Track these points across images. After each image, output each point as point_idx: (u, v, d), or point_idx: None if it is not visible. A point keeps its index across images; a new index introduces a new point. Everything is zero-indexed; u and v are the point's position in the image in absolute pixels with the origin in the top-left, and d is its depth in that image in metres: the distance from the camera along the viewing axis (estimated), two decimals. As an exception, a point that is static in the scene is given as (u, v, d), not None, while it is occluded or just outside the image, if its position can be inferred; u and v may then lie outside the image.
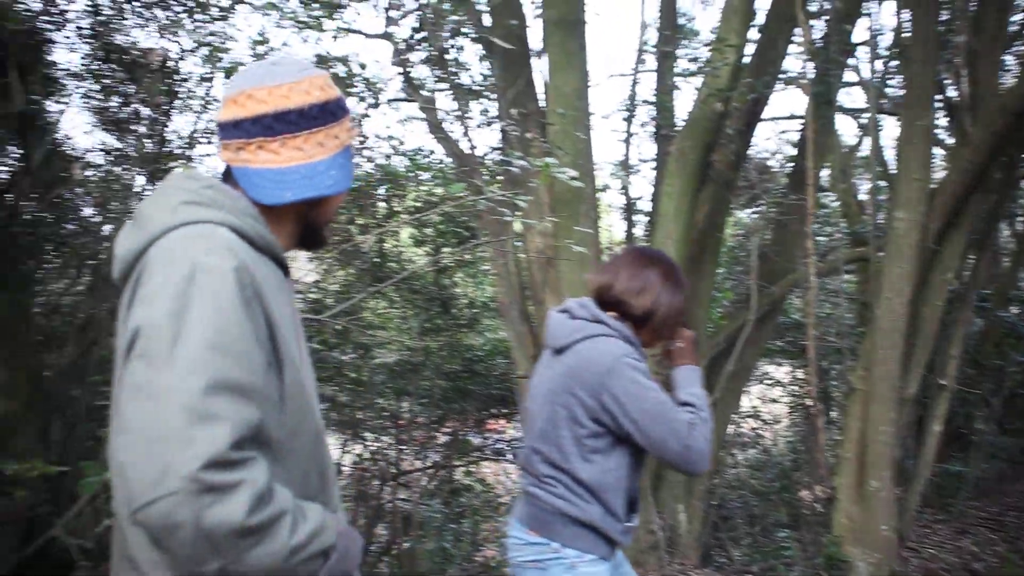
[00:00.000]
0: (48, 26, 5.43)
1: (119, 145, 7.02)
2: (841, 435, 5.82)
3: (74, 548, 3.90)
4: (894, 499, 5.07)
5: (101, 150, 7.23)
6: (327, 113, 1.52)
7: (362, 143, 11.15)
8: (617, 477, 2.40)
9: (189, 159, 7.31)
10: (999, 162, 4.92)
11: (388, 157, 10.63)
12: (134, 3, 6.50)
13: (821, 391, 9.01)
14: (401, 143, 10.49)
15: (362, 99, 9.75)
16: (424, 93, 7.66)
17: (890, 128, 11.87)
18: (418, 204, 10.78)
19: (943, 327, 5.22)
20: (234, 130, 1.48)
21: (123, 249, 1.39)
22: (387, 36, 8.34)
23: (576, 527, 2.38)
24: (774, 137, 9.97)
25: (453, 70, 7.01)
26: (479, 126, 7.63)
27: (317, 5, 8.62)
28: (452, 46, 7.16)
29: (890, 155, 8.76)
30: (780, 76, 7.11)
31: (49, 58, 5.90)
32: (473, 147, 6.69)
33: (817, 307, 9.21)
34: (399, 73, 7.26)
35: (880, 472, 4.99)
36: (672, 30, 7.66)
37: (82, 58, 6.28)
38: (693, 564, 6.57)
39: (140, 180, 6.86)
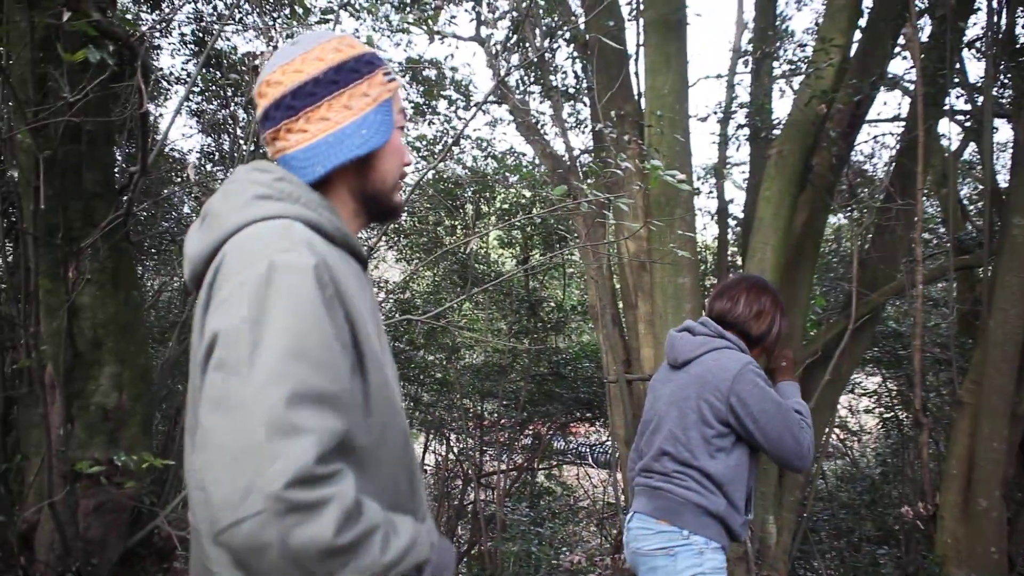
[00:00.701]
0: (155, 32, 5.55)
1: (216, 147, 7.16)
2: (945, 451, 5.57)
3: (175, 538, 3.96)
4: (1004, 520, 4.80)
5: (201, 152, 7.38)
6: (347, 73, 1.42)
7: (454, 145, 11.21)
8: (738, 473, 2.74)
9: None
10: None
11: (476, 160, 10.66)
12: (235, 10, 6.60)
13: (923, 404, 8.67)
14: (491, 145, 10.53)
15: (453, 102, 9.78)
16: (517, 95, 7.62)
17: (1002, 132, 11.39)
18: (506, 206, 10.78)
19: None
20: (265, 122, 1.43)
21: (194, 250, 1.33)
22: (480, 39, 8.34)
23: (705, 517, 2.70)
24: (872, 141, 9.63)
25: (549, 73, 6.93)
26: (572, 128, 7.56)
27: (410, 9, 8.68)
28: (548, 48, 7.09)
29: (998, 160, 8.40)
30: (886, 77, 6.86)
31: (155, 63, 6.03)
32: (570, 148, 6.59)
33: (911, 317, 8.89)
34: (493, 76, 7.23)
35: (990, 490, 4.73)
36: (770, 29, 7.46)
37: (183, 63, 6.42)
38: (781, 574, 6.39)
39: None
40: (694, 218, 6.55)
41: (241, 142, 6.85)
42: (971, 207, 8.61)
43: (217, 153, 7.33)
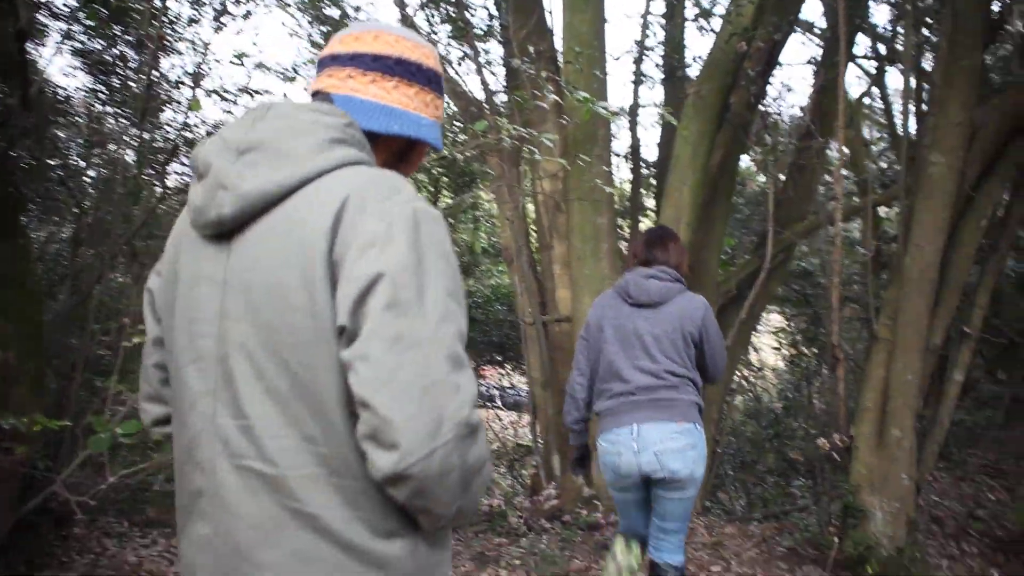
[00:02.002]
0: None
1: (103, 88, 6.65)
2: (858, 385, 5.66)
3: (74, 504, 3.66)
4: (914, 448, 4.91)
5: (87, 93, 6.85)
6: (436, 82, 1.53)
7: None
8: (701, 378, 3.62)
9: (178, 102, 6.96)
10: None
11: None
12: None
13: (828, 341, 8.87)
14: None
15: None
16: (424, 34, 7.32)
17: (893, 78, 11.60)
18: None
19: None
20: (350, 61, 1.46)
21: (259, 183, 1.28)
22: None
23: (698, 412, 3.50)
24: (781, 85, 9.67)
25: (464, 9, 6.65)
26: (484, 67, 7.30)
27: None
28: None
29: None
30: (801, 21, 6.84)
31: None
32: (486, 85, 6.36)
33: (828, 255, 9.04)
34: (400, 17, 6.91)
35: (902, 422, 4.82)
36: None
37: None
38: (697, 511, 6.46)
39: (127, 123, 6.51)
40: (611, 157, 6.44)
41: (132, 84, 6.39)
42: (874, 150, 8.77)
43: (107, 92, 6.79)
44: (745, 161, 9.40)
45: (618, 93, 24.33)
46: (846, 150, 6.18)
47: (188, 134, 8.34)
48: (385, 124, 1.43)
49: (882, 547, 4.79)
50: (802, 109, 6.56)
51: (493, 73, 8.00)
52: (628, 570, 3.69)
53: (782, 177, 6.71)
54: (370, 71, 1.45)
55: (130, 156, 6.36)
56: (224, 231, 1.31)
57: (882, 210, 7.74)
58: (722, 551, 5.32)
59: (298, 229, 1.24)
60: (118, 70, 6.68)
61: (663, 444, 3.37)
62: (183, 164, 8.42)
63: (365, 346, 1.16)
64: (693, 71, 7.30)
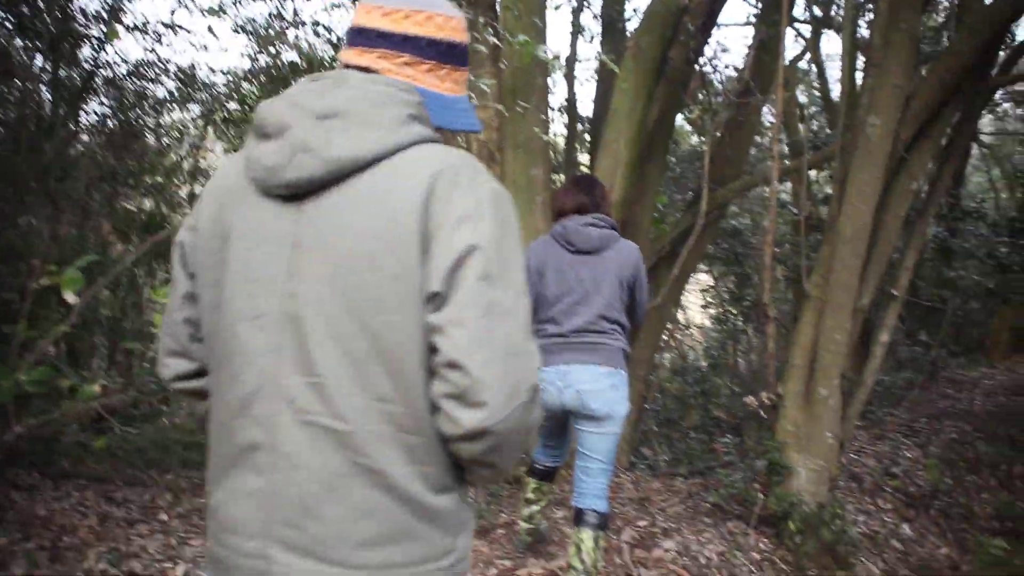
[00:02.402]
0: None
1: (10, 19, 6.24)
2: (786, 342, 5.69)
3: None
4: (839, 407, 4.96)
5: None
6: (466, 55, 1.55)
7: (284, 29, 10.38)
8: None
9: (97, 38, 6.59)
10: (977, 72, 4.68)
11: (312, 47, 9.91)
12: None
13: (758, 299, 8.95)
14: (328, 30, 9.81)
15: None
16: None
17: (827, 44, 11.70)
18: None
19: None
20: (403, 44, 1.46)
21: (349, 150, 1.31)
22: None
23: (624, 357, 3.68)
24: (718, 44, 9.67)
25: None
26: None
27: None
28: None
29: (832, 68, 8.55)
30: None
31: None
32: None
33: (760, 215, 9.10)
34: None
35: (830, 380, 4.85)
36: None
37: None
38: (623, 466, 6.47)
39: (39, 58, 6.15)
40: (547, 107, 6.30)
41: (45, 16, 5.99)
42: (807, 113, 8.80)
43: (16, 24, 6.36)
44: (679, 120, 9.39)
45: (556, 44, 24.21)
46: (782, 110, 6.13)
47: (106, 72, 7.95)
48: (447, 120, 1.48)
49: (804, 504, 4.84)
50: (737, 70, 6.50)
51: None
52: (534, 516, 4.20)
53: (718, 135, 6.64)
54: (427, 59, 1.47)
55: (43, 92, 6.00)
56: (298, 192, 1.33)
57: (811, 173, 7.78)
58: (648, 506, 5.32)
59: (388, 198, 1.29)
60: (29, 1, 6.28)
61: (587, 384, 3.59)
62: (101, 103, 8.00)
63: (460, 312, 1.24)
64: (633, 24, 7.18)
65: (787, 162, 7.80)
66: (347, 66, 1.47)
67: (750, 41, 6.68)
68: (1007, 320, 11.88)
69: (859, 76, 5.65)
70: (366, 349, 1.28)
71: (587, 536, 3.63)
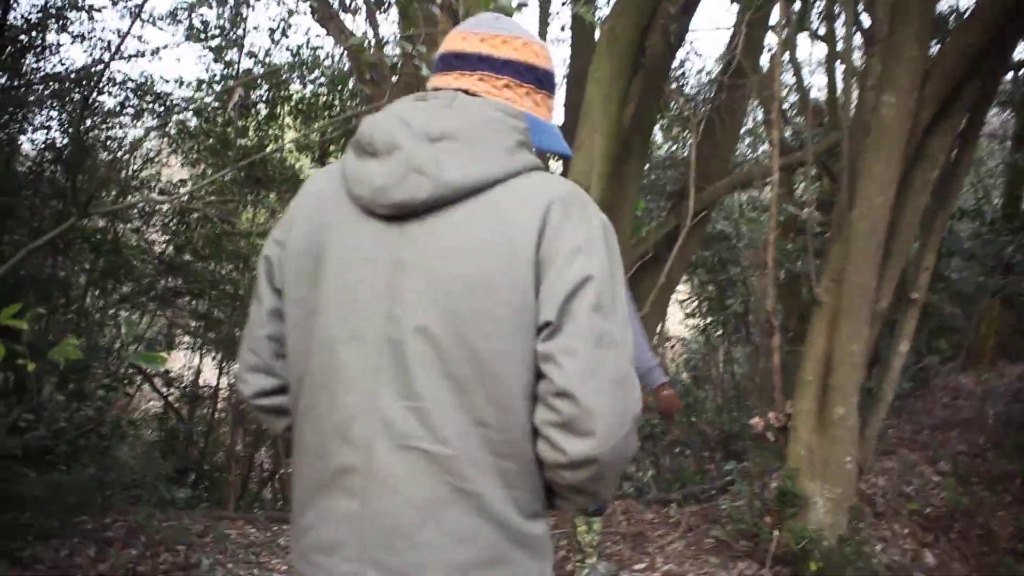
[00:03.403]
0: None
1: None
2: (782, 357, 5.03)
3: None
4: (858, 427, 4.31)
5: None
6: (555, 84, 1.55)
7: (239, 38, 9.71)
8: None
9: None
10: (998, 46, 4.07)
11: (268, 53, 9.31)
12: None
13: (742, 308, 8.32)
14: (284, 35, 9.23)
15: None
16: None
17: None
18: (302, 107, 9.50)
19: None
20: (504, 67, 1.45)
21: (462, 174, 1.28)
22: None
23: None
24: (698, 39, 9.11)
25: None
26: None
27: None
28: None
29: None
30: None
31: None
32: (375, 24, 5.48)
33: (732, 221, 8.48)
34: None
35: (847, 398, 4.21)
36: None
37: None
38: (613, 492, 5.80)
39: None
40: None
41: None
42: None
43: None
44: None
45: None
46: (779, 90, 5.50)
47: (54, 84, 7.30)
48: (547, 143, 1.47)
49: (824, 538, 4.18)
50: (726, 51, 5.87)
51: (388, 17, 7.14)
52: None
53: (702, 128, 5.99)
54: (525, 83, 1.46)
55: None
56: (404, 213, 1.30)
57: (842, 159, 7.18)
58: (644, 543, 4.65)
59: (504, 225, 1.27)
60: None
61: None
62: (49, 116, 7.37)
63: (572, 341, 1.23)
64: (605, 11, 6.52)
65: (766, 162, 7.21)
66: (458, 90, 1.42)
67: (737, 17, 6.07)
68: (994, 324, 11.36)
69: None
70: (470, 374, 1.26)
71: (581, 521, 3.57)
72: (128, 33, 8.10)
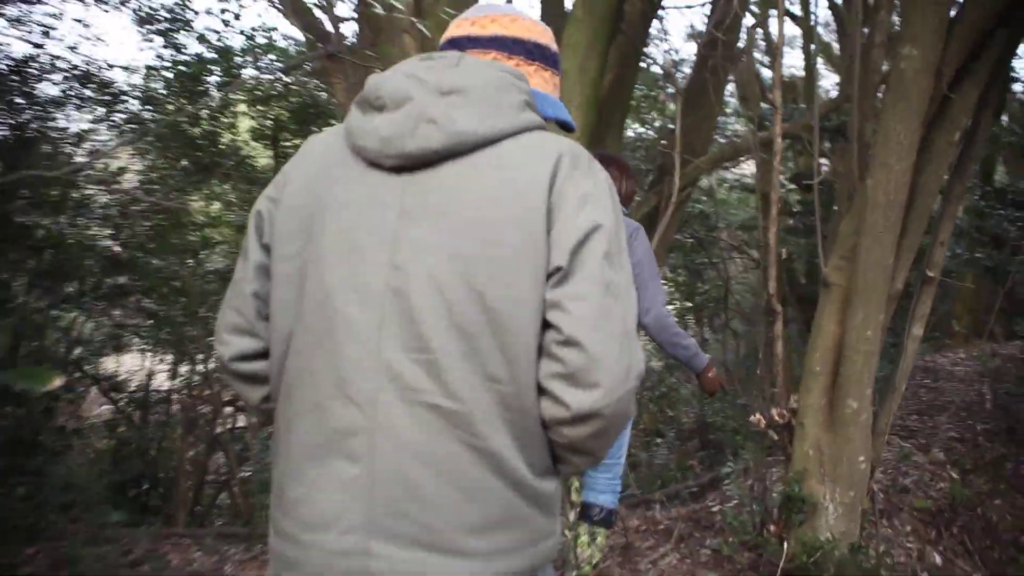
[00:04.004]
0: None
1: None
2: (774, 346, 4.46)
3: None
4: (871, 423, 3.76)
5: None
6: (558, 62, 1.56)
7: (190, 22, 8.98)
8: None
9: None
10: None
11: (220, 37, 8.60)
12: None
13: (720, 293, 7.79)
14: (237, 17, 8.54)
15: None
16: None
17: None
18: (259, 92, 8.78)
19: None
20: (490, 43, 1.46)
21: (475, 125, 1.25)
22: None
23: None
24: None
25: None
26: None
27: None
28: None
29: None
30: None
31: None
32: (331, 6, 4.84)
33: (715, 200, 7.93)
34: None
35: (862, 390, 3.68)
36: None
37: None
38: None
39: None
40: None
41: None
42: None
43: None
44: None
45: None
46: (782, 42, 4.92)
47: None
48: (551, 111, 1.47)
49: (836, 547, 3.63)
50: (707, 17, 5.29)
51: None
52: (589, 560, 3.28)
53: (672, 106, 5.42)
54: (513, 55, 1.46)
55: None
56: (412, 163, 1.26)
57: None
58: (633, 557, 4.07)
59: (515, 175, 1.24)
60: None
61: None
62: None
63: (582, 287, 1.18)
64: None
65: (738, 138, 6.65)
66: None
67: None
68: (968, 303, 10.98)
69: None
70: (479, 323, 1.19)
71: (583, 530, 3.19)
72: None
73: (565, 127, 1.50)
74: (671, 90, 6.72)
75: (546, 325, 1.18)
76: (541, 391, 1.19)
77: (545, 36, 1.51)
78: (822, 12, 11.24)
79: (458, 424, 1.18)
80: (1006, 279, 6.07)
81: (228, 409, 8.47)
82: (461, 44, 1.45)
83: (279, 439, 1.29)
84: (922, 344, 9.53)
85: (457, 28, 1.48)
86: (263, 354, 1.36)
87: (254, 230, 1.37)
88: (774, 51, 3.87)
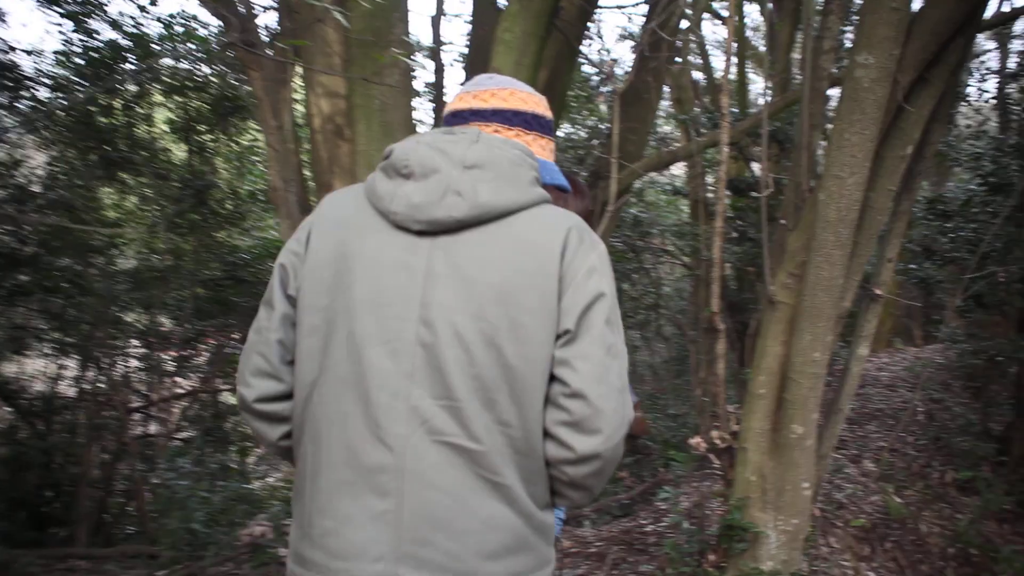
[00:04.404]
0: None
1: None
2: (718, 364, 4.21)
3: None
4: (815, 448, 3.53)
5: None
6: (552, 129, 1.69)
7: (103, 5, 8.37)
8: None
9: None
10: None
11: (136, 23, 8.01)
12: None
13: (652, 299, 7.55)
14: (153, 3, 7.93)
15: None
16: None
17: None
18: (176, 82, 8.20)
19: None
20: (493, 116, 1.57)
21: (495, 199, 1.38)
22: None
23: None
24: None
25: None
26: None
27: None
28: None
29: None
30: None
31: None
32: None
33: (648, 205, 7.69)
34: None
35: (807, 414, 3.43)
36: None
37: None
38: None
39: None
40: (408, 67, 4.63)
41: None
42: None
43: None
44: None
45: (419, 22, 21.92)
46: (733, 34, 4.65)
47: None
48: (551, 178, 1.71)
49: (779, 578, 3.38)
50: (647, 18, 5.00)
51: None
52: None
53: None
54: (513, 126, 1.58)
55: None
56: (437, 229, 1.36)
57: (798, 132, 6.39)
58: (566, 587, 3.76)
59: (530, 245, 1.36)
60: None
61: None
62: None
63: (587, 348, 1.32)
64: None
65: (676, 144, 6.40)
66: None
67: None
68: (888, 306, 11.02)
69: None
70: (496, 376, 1.31)
71: None
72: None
73: (561, 189, 1.67)
74: (607, 89, 6.45)
75: (552, 379, 1.33)
76: (547, 435, 1.34)
77: (540, 106, 1.63)
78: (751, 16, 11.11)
79: (478, 462, 1.31)
80: (935, 289, 5.95)
81: (136, 416, 7.93)
82: (465, 117, 1.56)
83: (304, 477, 1.39)
84: (844, 347, 9.46)
85: (461, 101, 1.59)
86: (285, 396, 1.45)
87: (279, 282, 1.46)
88: (724, 50, 3.59)
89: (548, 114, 1.64)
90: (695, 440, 3.70)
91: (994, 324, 8.15)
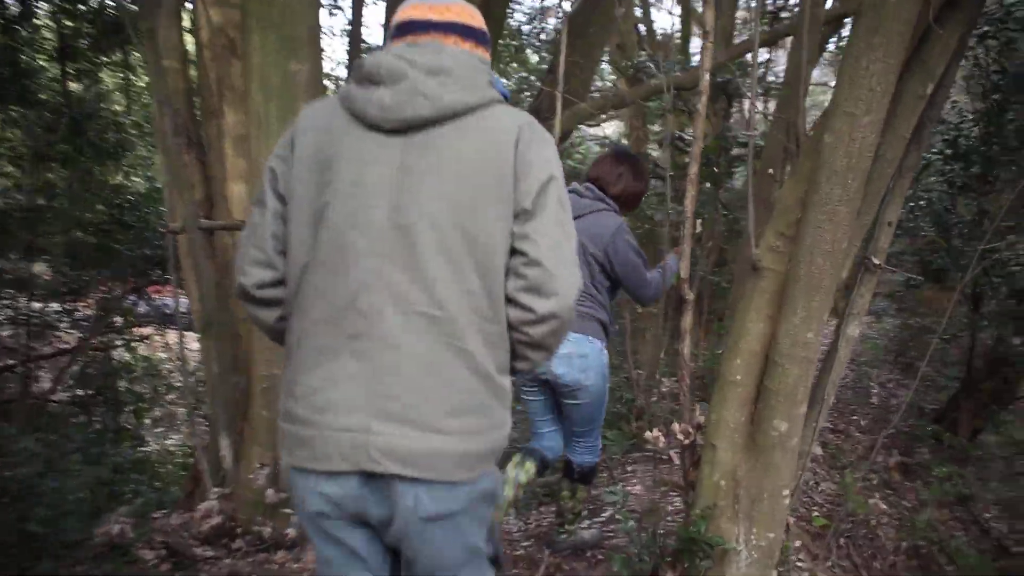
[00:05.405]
0: None
1: None
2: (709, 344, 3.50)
3: None
4: (797, 447, 2.85)
5: None
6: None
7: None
8: (608, 298, 3.29)
9: None
10: None
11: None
12: None
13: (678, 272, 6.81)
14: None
15: None
16: None
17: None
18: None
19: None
20: (468, 32, 1.67)
21: (457, 99, 1.54)
22: None
23: (600, 327, 3.21)
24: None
25: None
26: None
27: None
28: None
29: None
30: None
31: None
32: None
33: (577, 153, 6.92)
34: None
35: (793, 408, 2.74)
36: None
37: None
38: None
39: None
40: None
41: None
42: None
43: None
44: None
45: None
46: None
47: None
48: (502, 91, 1.76)
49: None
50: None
51: None
52: (513, 482, 3.25)
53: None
54: (467, 39, 1.67)
55: None
56: (408, 127, 1.54)
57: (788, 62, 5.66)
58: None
59: (492, 139, 1.55)
60: None
61: None
62: None
63: (543, 224, 1.53)
64: None
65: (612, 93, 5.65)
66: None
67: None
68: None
69: None
70: (464, 251, 1.50)
71: (565, 485, 3.47)
72: None
73: (505, 97, 1.69)
74: (547, 26, 5.66)
75: (513, 252, 1.54)
76: (509, 301, 1.54)
77: (484, 24, 1.75)
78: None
79: (444, 330, 1.50)
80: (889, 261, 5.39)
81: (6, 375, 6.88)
82: (423, 27, 1.65)
83: (292, 346, 1.59)
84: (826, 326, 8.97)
85: (415, 11, 1.67)
86: (279, 282, 1.64)
87: (269, 183, 1.64)
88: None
89: (485, 27, 1.73)
90: (652, 434, 2.98)
91: (929, 300, 7.76)
